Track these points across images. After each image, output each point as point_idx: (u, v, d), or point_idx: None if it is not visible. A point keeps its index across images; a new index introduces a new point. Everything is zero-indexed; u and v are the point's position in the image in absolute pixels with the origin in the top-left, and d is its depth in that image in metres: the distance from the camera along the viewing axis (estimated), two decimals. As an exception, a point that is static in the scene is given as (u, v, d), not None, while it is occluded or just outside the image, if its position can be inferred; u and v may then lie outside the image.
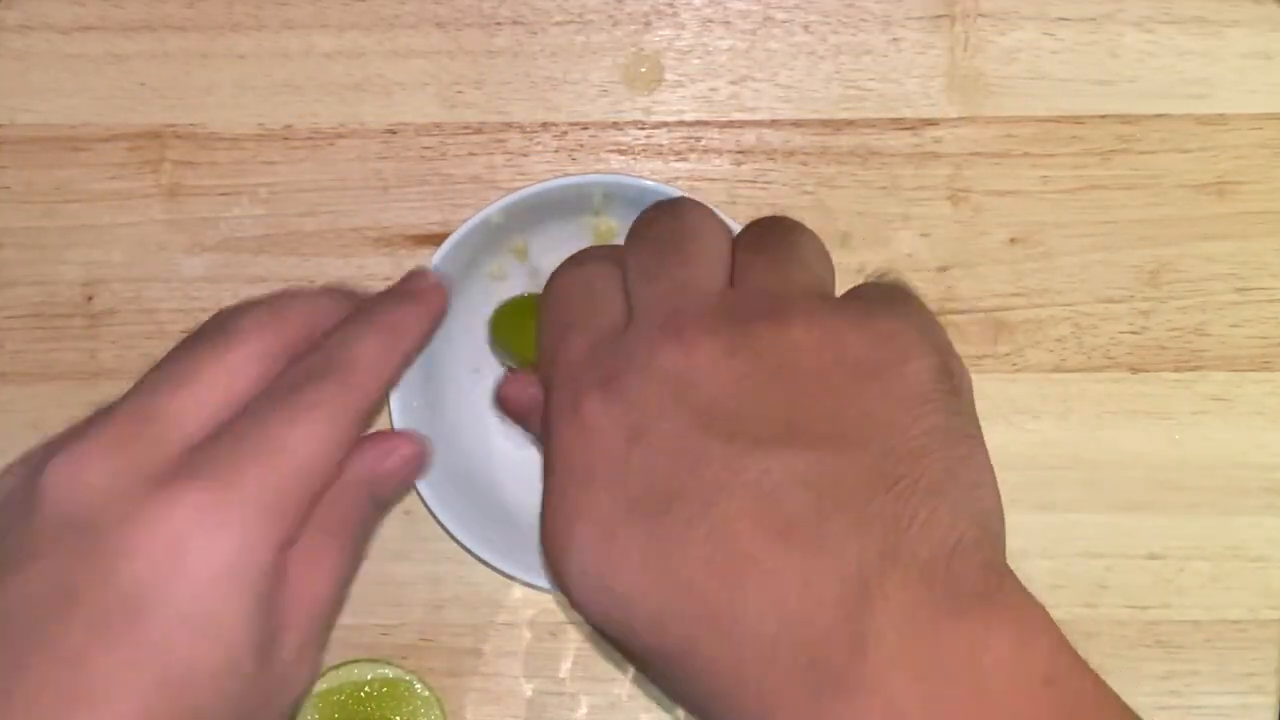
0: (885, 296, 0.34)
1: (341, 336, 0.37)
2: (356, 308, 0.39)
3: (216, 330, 0.35)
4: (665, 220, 0.37)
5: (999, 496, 0.31)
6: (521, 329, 0.39)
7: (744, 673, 0.28)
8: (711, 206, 0.38)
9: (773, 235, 0.37)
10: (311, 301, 0.38)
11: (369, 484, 0.38)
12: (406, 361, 0.39)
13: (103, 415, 0.34)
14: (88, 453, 0.32)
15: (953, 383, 0.32)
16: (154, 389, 0.34)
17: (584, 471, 0.31)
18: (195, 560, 0.31)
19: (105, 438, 0.32)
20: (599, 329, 0.34)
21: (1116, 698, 0.28)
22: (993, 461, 0.32)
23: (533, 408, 0.37)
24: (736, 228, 0.43)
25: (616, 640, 0.32)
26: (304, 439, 0.34)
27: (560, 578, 0.32)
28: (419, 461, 0.40)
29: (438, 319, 0.41)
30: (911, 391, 0.31)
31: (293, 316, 0.37)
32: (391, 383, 0.38)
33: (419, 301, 0.40)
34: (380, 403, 0.37)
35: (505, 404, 0.39)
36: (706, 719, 0.30)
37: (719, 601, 0.28)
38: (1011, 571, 0.29)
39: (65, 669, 0.30)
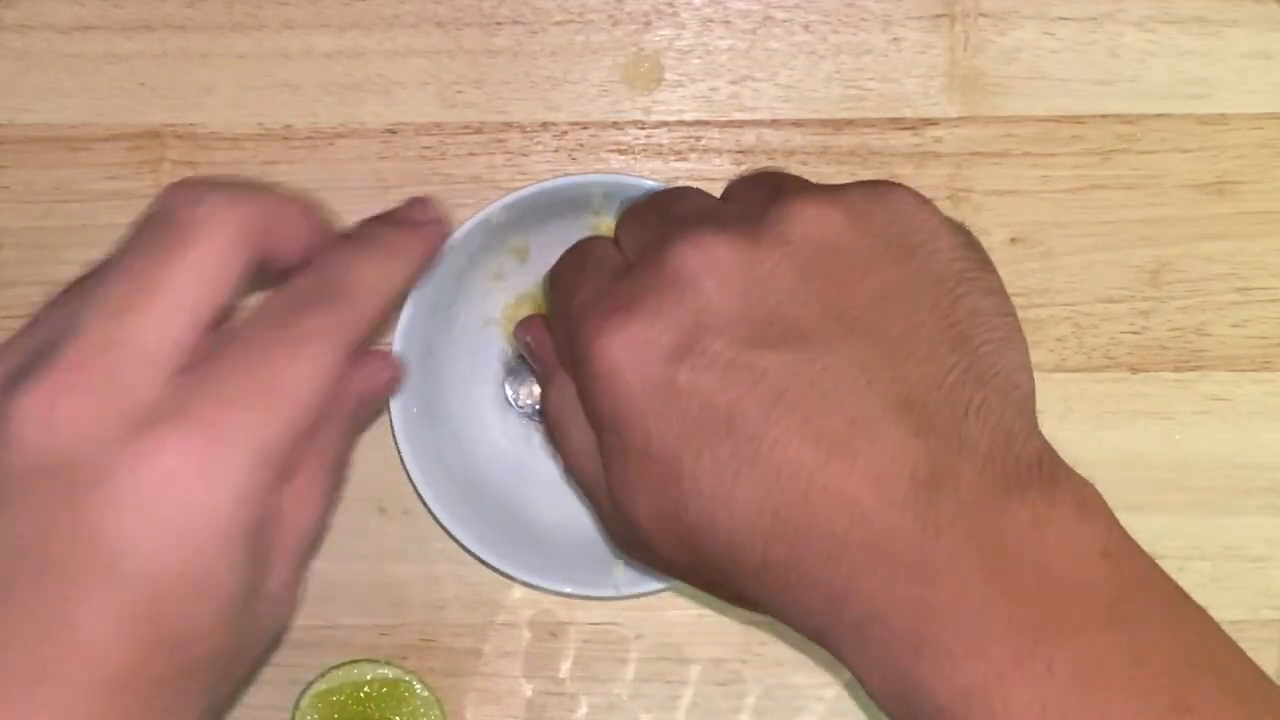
0: (885, 182, 0.33)
1: (337, 258, 0.34)
2: (353, 231, 0.36)
3: (168, 223, 0.31)
4: (647, 197, 0.37)
5: (1032, 372, 0.32)
6: None
7: (813, 569, 0.28)
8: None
9: (757, 173, 0.36)
10: (271, 198, 0.33)
11: (356, 406, 0.35)
12: (404, 291, 0.37)
13: (63, 340, 0.29)
14: (57, 388, 0.29)
15: (981, 255, 0.32)
16: (115, 309, 0.30)
17: (629, 411, 0.30)
18: (185, 514, 0.29)
19: (74, 370, 0.29)
20: (604, 272, 0.33)
21: (1165, 573, 0.29)
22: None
23: (546, 345, 0.36)
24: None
25: (683, 569, 0.32)
26: (306, 378, 0.31)
27: (631, 519, 0.31)
28: (399, 377, 0.38)
29: (436, 251, 0.38)
30: (948, 270, 0.31)
31: (255, 207, 0.32)
32: (389, 311, 0.35)
33: (419, 232, 0.38)
34: (378, 329, 0.35)
35: (528, 345, 0.38)
36: (779, 616, 0.30)
37: (790, 511, 0.28)
38: (1059, 455, 0.30)
39: (44, 626, 0.28)
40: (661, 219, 0.34)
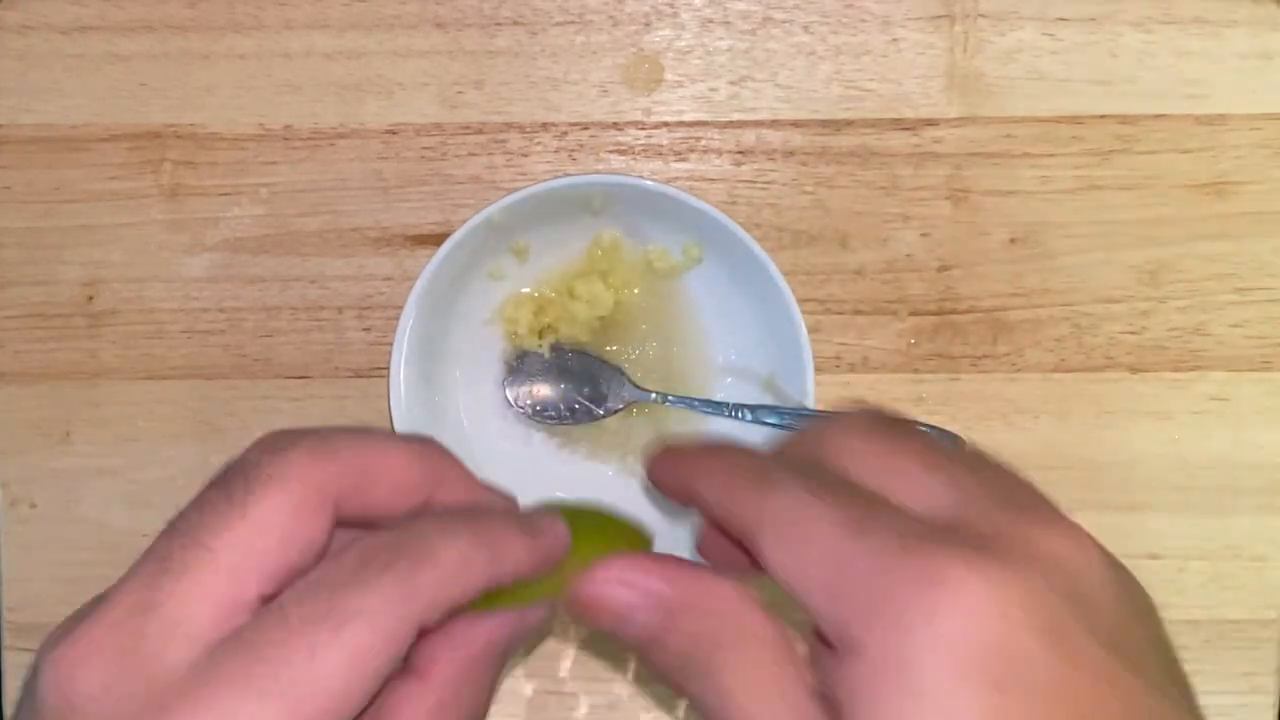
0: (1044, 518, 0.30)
1: (432, 520, 0.29)
2: (465, 510, 0.31)
3: (241, 475, 0.28)
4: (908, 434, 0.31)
5: None
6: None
7: None
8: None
9: (993, 473, 0.32)
10: (369, 448, 0.29)
11: (492, 662, 0.31)
12: (489, 586, 0.29)
13: (110, 595, 0.27)
14: (84, 652, 0.26)
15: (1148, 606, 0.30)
16: (162, 568, 0.27)
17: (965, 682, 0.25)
18: None
19: (103, 633, 0.26)
20: (895, 525, 0.28)
21: None
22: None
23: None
24: (735, 228, 0.43)
25: None
26: (342, 668, 0.26)
27: None
28: (530, 625, 0.32)
29: (543, 566, 0.31)
30: (1148, 603, 0.30)
31: (342, 463, 0.28)
32: (467, 598, 0.28)
33: (536, 537, 0.31)
34: (450, 614, 0.28)
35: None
36: None
37: None
38: None
39: None
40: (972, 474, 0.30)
